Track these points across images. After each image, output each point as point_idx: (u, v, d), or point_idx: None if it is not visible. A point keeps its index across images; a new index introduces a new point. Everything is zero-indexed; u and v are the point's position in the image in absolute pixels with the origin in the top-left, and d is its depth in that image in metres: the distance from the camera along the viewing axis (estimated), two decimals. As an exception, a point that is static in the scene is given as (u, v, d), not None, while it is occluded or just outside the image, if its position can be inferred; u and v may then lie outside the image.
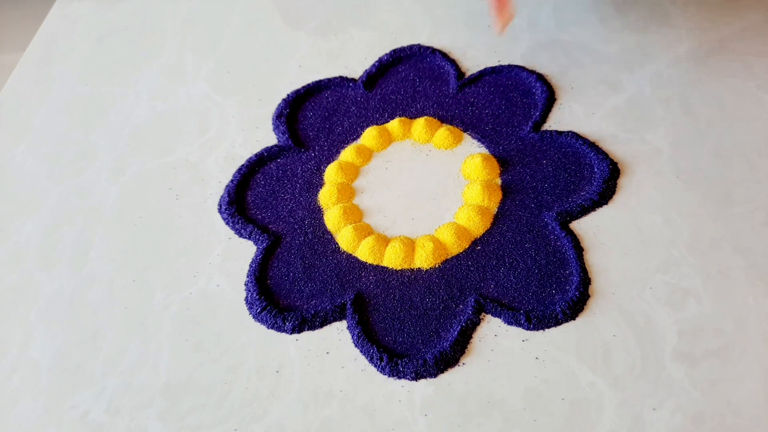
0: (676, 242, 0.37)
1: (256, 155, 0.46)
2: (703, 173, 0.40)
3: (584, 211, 0.39)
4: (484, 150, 0.43)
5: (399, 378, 0.33)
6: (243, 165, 0.45)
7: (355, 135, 0.46)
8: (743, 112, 0.42)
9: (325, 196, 0.42)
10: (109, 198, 0.45)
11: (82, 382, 0.36)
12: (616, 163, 0.41)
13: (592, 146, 0.42)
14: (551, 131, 0.43)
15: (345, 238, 0.40)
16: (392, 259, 0.38)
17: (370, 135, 0.45)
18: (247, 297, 0.38)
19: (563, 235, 0.38)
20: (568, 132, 0.43)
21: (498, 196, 0.41)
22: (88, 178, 0.46)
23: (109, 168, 0.47)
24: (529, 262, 0.37)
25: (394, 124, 0.45)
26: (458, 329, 0.35)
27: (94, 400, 0.35)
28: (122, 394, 0.35)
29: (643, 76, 0.46)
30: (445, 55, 0.50)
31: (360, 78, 0.50)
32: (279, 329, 0.36)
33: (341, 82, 0.50)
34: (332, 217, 0.41)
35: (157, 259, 0.41)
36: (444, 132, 0.44)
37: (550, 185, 0.41)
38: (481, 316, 0.35)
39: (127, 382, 0.35)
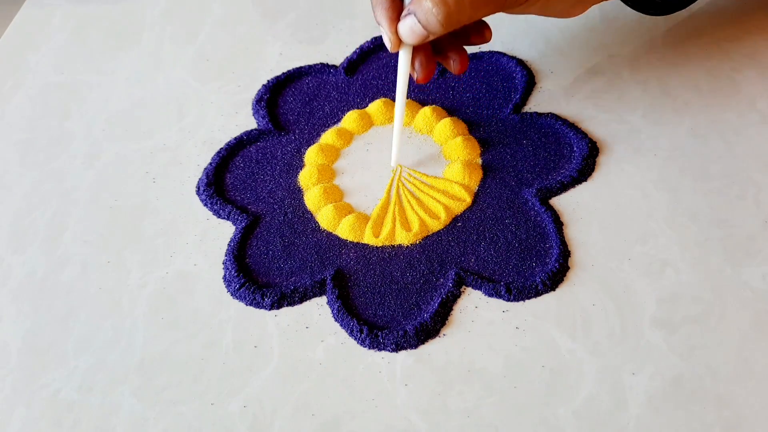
0: (654, 215, 0.37)
1: (235, 139, 0.45)
2: (681, 150, 0.40)
3: (564, 187, 0.39)
4: (464, 132, 0.43)
5: (379, 350, 0.33)
6: (222, 148, 0.45)
7: (335, 119, 0.46)
8: (719, 92, 0.43)
9: (305, 177, 0.42)
10: (83, 183, 0.44)
11: (53, 362, 0.35)
12: (595, 142, 0.41)
13: (572, 126, 0.42)
14: (531, 113, 0.44)
15: (325, 217, 0.39)
16: (373, 236, 0.38)
17: (350, 118, 0.45)
18: (225, 275, 0.37)
19: (543, 210, 0.38)
20: (548, 113, 0.43)
21: (479, 174, 0.41)
22: (62, 164, 0.46)
23: (84, 153, 0.46)
24: (510, 236, 0.37)
25: (376, 106, 0.45)
26: (438, 301, 0.34)
27: (66, 379, 0.34)
28: (95, 372, 0.34)
29: (622, 61, 0.46)
30: (425, 41, 0.50)
31: (341, 64, 0.49)
32: (258, 305, 0.36)
33: (322, 68, 0.50)
34: (312, 197, 0.40)
35: (133, 240, 0.40)
36: (425, 114, 0.44)
37: (530, 164, 0.41)
38: (462, 289, 0.35)
39: (100, 360, 0.34)
